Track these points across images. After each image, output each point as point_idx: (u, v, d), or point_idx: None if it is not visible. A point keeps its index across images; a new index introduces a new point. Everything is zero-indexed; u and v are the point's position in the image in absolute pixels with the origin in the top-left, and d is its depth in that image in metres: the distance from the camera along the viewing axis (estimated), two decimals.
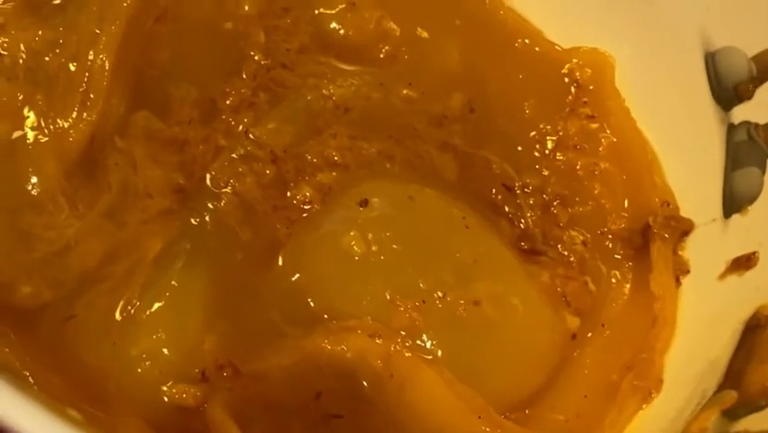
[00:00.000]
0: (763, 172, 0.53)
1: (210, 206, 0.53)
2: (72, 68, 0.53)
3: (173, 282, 0.50)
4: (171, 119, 0.55)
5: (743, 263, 0.51)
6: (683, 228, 0.55)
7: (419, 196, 0.54)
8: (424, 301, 0.50)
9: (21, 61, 0.54)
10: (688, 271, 0.54)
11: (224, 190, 0.53)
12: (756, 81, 0.54)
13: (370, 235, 0.51)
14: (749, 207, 0.53)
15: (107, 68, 0.53)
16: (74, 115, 0.52)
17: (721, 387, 0.48)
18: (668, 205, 0.56)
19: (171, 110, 0.55)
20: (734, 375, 0.48)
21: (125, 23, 0.55)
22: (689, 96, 0.57)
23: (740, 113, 0.55)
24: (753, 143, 0.53)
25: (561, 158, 0.58)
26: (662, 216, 0.55)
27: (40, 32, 0.54)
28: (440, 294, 0.50)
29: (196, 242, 0.52)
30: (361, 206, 0.52)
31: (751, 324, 0.49)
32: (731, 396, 0.47)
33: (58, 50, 0.54)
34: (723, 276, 0.52)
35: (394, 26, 0.60)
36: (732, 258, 0.52)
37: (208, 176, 0.54)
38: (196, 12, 0.58)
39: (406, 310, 0.50)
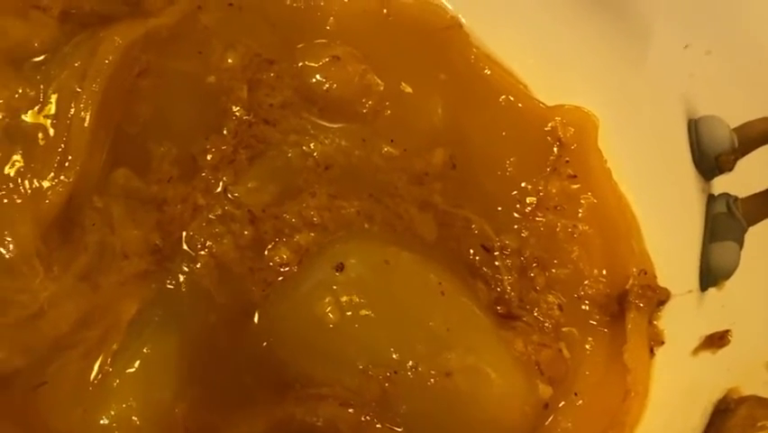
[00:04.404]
0: (741, 247, 0.53)
1: (186, 268, 0.53)
2: (51, 127, 0.53)
3: (145, 348, 0.50)
4: (150, 177, 0.55)
5: (716, 341, 0.51)
6: (659, 298, 0.55)
7: (396, 260, 0.54)
8: (396, 372, 0.50)
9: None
10: (662, 343, 0.54)
11: (200, 252, 0.53)
12: (738, 153, 0.54)
13: (345, 302, 0.52)
14: (725, 282, 0.53)
15: (87, 127, 0.53)
16: (51, 175, 0.52)
17: None
18: (645, 273, 0.56)
19: (151, 168, 0.55)
20: None
21: (107, 79, 0.54)
22: (670, 162, 0.57)
23: (721, 184, 0.55)
24: (731, 217, 0.53)
25: (541, 219, 0.58)
26: (638, 284, 0.55)
27: (20, 90, 0.54)
28: (412, 364, 0.50)
29: (170, 305, 0.52)
30: (336, 270, 0.52)
31: (720, 406, 0.48)
32: None
33: (37, 108, 0.54)
34: (696, 351, 0.52)
35: (378, 81, 0.59)
36: (706, 333, 0.52)
37: (185, 236, 0.54)
38: (180, 65, 0.58)
39: (378, 380, 0.50)
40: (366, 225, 0.56)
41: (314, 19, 0.61)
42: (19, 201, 0.51)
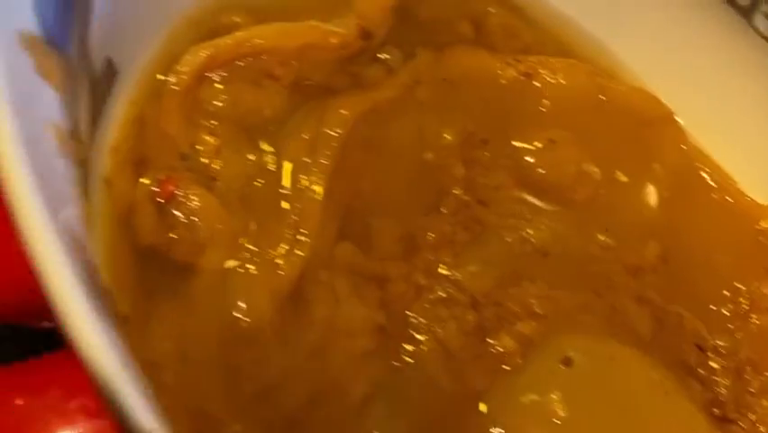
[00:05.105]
0: None
1: (411, 350, 0.52)
2: (284, 198, 0.53)
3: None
4: (372, 253, 0.54)
5: None
6: None
7: (620, 356, 0.53)
8: None
9: (235, 187, 0.53)
10: None
11: (424, 335, 0.53)
12: None
13: (573, 398, 0.51)
14: None
15: (319, 201, 0.53)
16: (286, 247, 0.52)
17: None
18: None
19: (372, 244, 0.55)
20: None
21: (336, 152, 0.54)
22: None
23: None
24: None
25: (755, 321, 0.57)
26: None
27: (252, 157, 0.54)
28: None
29: (397, 389, 0.52)
30: (563, 364, 0.52)
31: None
32: None
33: (270, 178, 0.54)
34: None
35: (594, 168, 0.59)
36: None
37: (409, 317, 0.53)
38: (398, 140, 0.58)
39: None
40: (585, 317, 0.55)
41: (528, 99, 0.61)
42: (254, 272, 0.51)
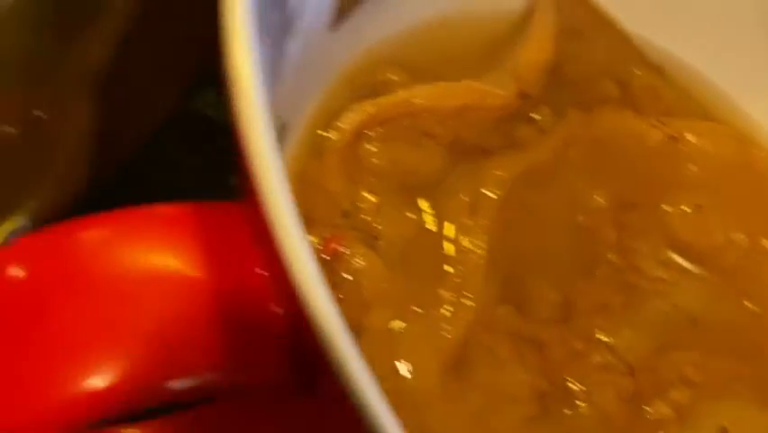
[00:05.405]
0: None
1: (570, 414, 0.53)
2: (445, 259, 0.53)
3: None
4: (530, 316, 0.55)
5: None
6: None
7: None
8: None
9: (397, 246, 0.54)
10: None
11: (584, 401, 0.53)
12: None
13: None
14: None
15: (482, 264, 0.53)
16: (450, 309, 0.52)
17: None
18: None
19: (530, 307, 0.55)
20: None
21: (495, 214, 0.55)
22: None
23: None
24: None
25: None
26: None
27: (412, 216, 0.55)
28: None
29: None
30: None
31: None
32: None
33: (429, 238, 0.54)
34: None
35: (741, 235, 0.59)
36: None
37: (568, 382, 0.53)
38: (552, 202, 0.58)
39: None
40: (736, 386, 0.55)
41: (675, 163, 0.61)
42: (420, 333, 0.52)
